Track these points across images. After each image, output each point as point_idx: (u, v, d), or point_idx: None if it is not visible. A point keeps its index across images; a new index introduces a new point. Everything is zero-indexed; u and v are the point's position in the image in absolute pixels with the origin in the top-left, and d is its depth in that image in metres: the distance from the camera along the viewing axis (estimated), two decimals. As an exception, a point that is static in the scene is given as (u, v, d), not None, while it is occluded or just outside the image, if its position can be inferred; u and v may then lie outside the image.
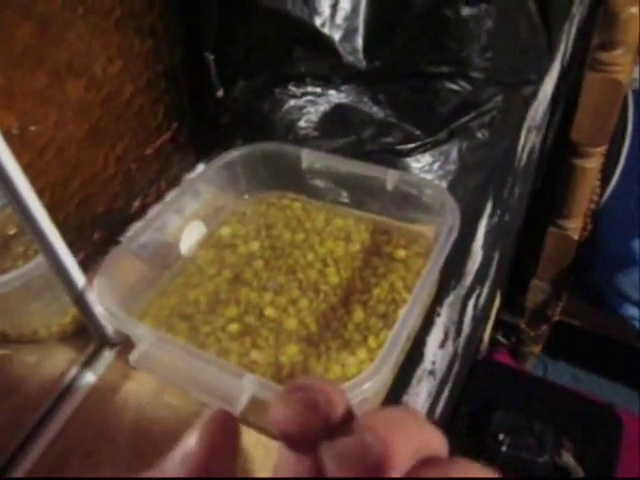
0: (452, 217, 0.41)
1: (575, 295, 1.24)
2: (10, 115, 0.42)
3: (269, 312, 0.42)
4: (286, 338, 0.40)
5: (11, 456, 0.38)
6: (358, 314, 0.41)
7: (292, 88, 0.50)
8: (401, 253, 0.45)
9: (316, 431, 0.15)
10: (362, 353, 0.38)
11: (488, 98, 0.52)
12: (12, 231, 0.51)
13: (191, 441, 0.16)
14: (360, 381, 0.31)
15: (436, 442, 0.15)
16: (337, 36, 0.48)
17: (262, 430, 0.38)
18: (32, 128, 0.43)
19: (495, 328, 1.26)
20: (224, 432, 0.16)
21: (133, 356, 0.35)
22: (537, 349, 1.31)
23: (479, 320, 1.00)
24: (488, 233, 0.75)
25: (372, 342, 0.39)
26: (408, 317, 0.34)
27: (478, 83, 0.51)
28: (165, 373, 0.37)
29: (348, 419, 0.15)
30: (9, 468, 0.38)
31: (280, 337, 0.40)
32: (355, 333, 0.40)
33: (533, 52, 0.55)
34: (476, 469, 0.14)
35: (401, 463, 0.14)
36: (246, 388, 0.31)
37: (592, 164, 1.05)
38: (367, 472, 0.13)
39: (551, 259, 1.20)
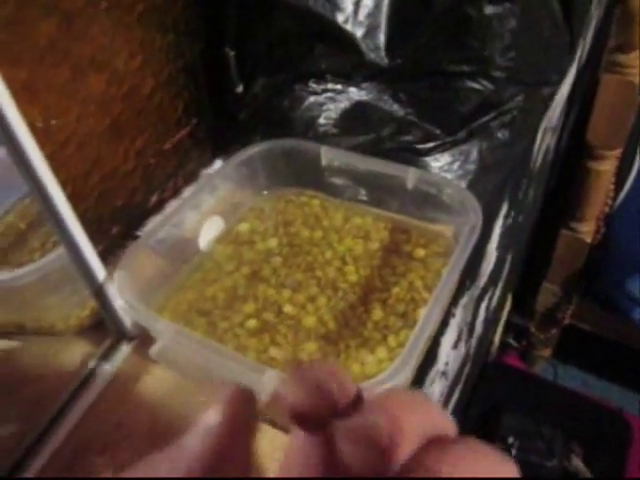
0: (474, 217, 0.40)
1: (586, 299, 1.23)
2: (33, 109, 0.42)
3: (287, 309, 0.42)
4: (304, 336, 0.40)
5: (27, 449, 0.38)
6: (377, 313, 0.41)
7: (312, 85, 0.50)
8: (420, 252, 0.45)
9: (326, 410, 0.15)
10: (382, 352, 0.38)
11: (509, 98, 0.51)
12: (28, 225, 0.51)
13: (212, 416, 0.16)
14: (381, 380, 0.30)
15: (444, 422, 0.16)
16: (359, 33, 0.47)
17: (276, 424, 0.38)
18: (54, 122, 0.43)
19: (505, 331, 1.26)
20: (245, 408, 0.16)
21: (154, 350, 0.35)
22: (547, 353, 1.31)
23: (490, 322, 1.00)
24: (503, 234, 0.75)
25: (392, 341, 0.39)
26: (429, 317, 0.34)
27: (499, 82, 0.50)
28: (184, 368, 0.37)
29: (357, 400, 0.15)
30: (25, 460, 0.38)
31: (298, 334, 0.40)
32: (374, 332, 0.40)
33: (554, 51, 0.55)
34: (484, 448, 0.15)
35: (410, 440, 0.14)
36: (267, 384, 0.31)
37: (607, 167, 1.04)
38: (377, 449, 0.14)
39: (563, 262, 1.19)
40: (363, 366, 0.38)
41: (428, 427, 0.15)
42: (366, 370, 0.37)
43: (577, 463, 0.92)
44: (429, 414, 0.15)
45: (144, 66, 0.48)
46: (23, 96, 0.40)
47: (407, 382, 0.40)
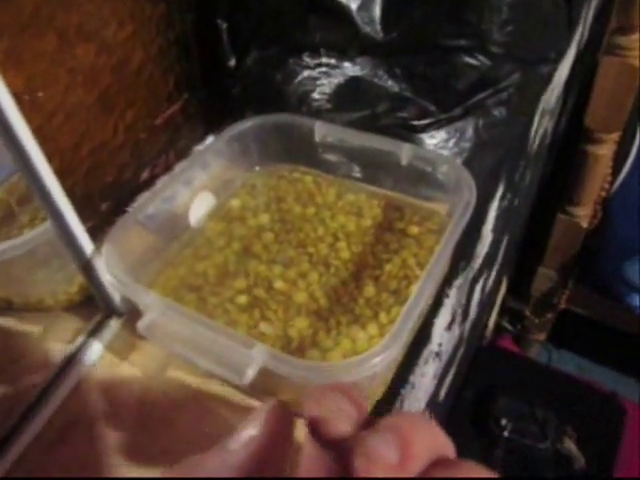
0: (468, 193, 0.40)
1: (582, 284, 1.23)
2: (18, 79, 0.41)
3: (278, 285, 0.41)
4: (295, 311, 0.39)
5: (15, 424, 0.38)
6: (369, 289, 0.40)
7: (306, 59, 0.49)
8: (414, 229, 0.44)
9: (344, 427, 0.17)
10: (373, 328, 0.38)
11: (506, 74, 0.51)
12: (17, 201, 0.50)
13: (252, 427, 0.18)
14: (371, 355, 0.30)
15: (446, 444, 0.17)
16: (354, 5, 0.46)
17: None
18: (40, 93, 0.42)
19: (500, 314, 1.26)
20: (283, 422, 0.18)
21: (142, 323, 0.34)
22: (542, 337, 1.31)
23: (485, 305, 0.99)
24: (498, 216, 0.74)
25: (383, 318, 0.38)
26: (421, 293, 0.33)
27: (497, 58, 0.49)
28: (173, 342, 0.36)
29: (370, 418, 0.17)
30: (12, 437, 0.37)
31: (289, 310, 0.40)
32: (366, 308, 0.39)
33: (553, 28, 0.54)
34: (480, 470, 0.16)
35: (419, 458, 0.15)
36: (256, 358, 0.31)
37: (605, 151, 1.03)
38: (388, 465, 0.15)
39: (559, 246, 1.19)
40: (354, 342, 0.37)
41: (432, 447, 0.16)
42: (357, 346, 0.37)
43: (570, 446, 0.93)
44: (434, 436, 0.16)
45: (134, 37, 0.47)
46: (7, 66, 0.39)
47: (397, 358, 0.39)
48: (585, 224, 1.13)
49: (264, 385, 0.36)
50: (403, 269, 0.41)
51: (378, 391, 0.38)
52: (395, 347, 0.30)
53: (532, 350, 1.31)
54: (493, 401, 0.97)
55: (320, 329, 0.38)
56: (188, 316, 0.34)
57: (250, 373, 0.31)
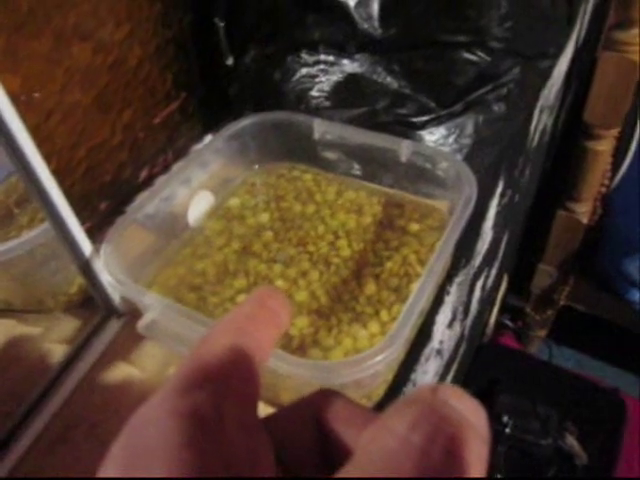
0: (469, 188, 0.40)
1: (582, 280, 1.22)
2: (14, 79, 0.40)
3: (279, 284, 0.41)
4: (296, 310, 0.39)
5: (15, 425, 0.38)
6: (370, 287, 0.40)
7: (304, 56, 0.49)
8: (414, 227, 0.44)
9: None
10: (374, 326, 0.37)
11: (506, 70, 0.50)
12: (15, 202, 0.50)
13: (237, 310, 0.17)
14: (373, 353, 0.30)
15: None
16: (352, 2, 0.46)
17: (269, 402, 0.37)
18: (37, 94, 0.42)
19: (501, 311, 1.26)
20: (268, 304, 0.17)
21: (142, 323, 0.34)
22: (542, 333, 1.31)
23: (486, 302, 0.99)
24: (498, 213, 0.74)
25: (384, 315, 0.38)
26: (422, 290, 0.33)
27: (496, 54, 0.49)
28: (173, 342, 0.36)
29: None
30: (13, 437, 0.37)
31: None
32: (367, 306, 0.39)
33: (553, 23, 0.54)
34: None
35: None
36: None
37: (604, 147, 1.03)
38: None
39: (559, 243, 1.18)
40: (355, 341, 0.37)
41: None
42: (358, 345, 0.37)
43: (571, 442, 0.93)
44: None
45: (131, 36, 0.47)
46: (3, 66, 0.39)
47: (399, 356, 0.39)
48: (585, 220, 1.13)
49: (265, 384, 0.36)
50: (404, 266, 0.41)
51: (380, 389, 0.37)
52: (396, 345, 0.30)
53: (533, 346, 1.31)
54: (495, 398, 0.97)
55: (321, 328, 0.38)
56: (188, 315, 0.34)
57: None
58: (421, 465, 0.12)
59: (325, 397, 0.17)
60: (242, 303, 0.18)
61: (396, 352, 0.30)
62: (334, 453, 0.16)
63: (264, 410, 0.38)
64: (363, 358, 0.29)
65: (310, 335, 0.38)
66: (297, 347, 0.37)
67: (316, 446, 0.16)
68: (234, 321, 0.17)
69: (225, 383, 0.15)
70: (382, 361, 0.30)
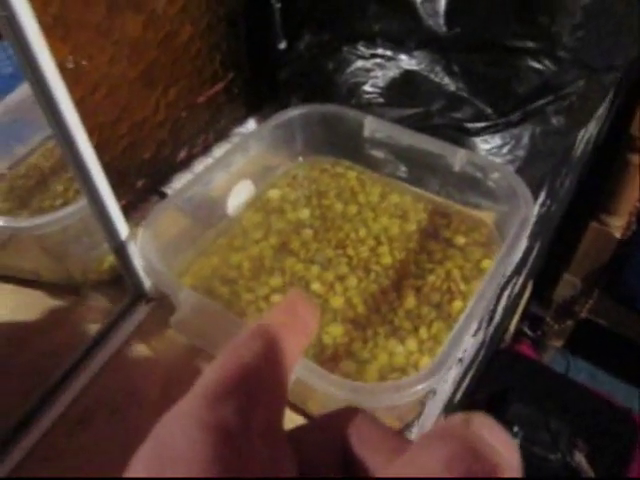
0: (525, 206, 0.38)
1: (606, 294, 1.20)
2: (64, 47, 0.39)
3: (315, 287, 0.40)
4: (331, 317, 0.38)
5: (36, 405, 0.37)
6: (410, 300, 0.38)
7: (361, 48, 0.46)
8: (460, 240, 0.42)
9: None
10: (412, 343, 0.36)
11: (570, 81, 0.48)
12: (51, 168, 0.49)
13: (268, 316, 0.16)
14: (416, 381, 0.28)
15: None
16: (419, -4, 0.44)
17: (298, 410, 0.36)
18: (85, 62, 0.40)
19: (522, 319, 1.24)
20: (300, 313, 0.17)
21: (174, 319, 0.33)
22: (559, 343, 1.29)
23: (509, 310, 0.97)
24: (535, 223, 0.72)
25: (424, 333, 0.36)
26: (470, 317, 0.32)
27: (563, 64, 0.46)
28: (203, 340, 0.35)
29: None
30: (34, 417, 0.37)
31: (325, 315, 0.38)
32: (406, 321, 0.37)
33: (624, 35, 0.51)
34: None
35: None
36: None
37: (648, 161, 1.00)
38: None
39: (588, 255, 1.16)
40: (391, 357, 0.36)
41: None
42: (394, 361, 0.35)
43: (580, 459, 0.91)
44: None
45: (183, 11, 0.45)
46: (54, 32, 0.38)
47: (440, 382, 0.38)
48: (618, 234, 1.10)
49: (292, 391, 0.34)
50: (447, 282, 0.39)
51: (414, 410, 0.36)
52: (441, 373, 0.29)
53: (548, 355, 1.30)
54: (507, 406, 0.96)
55: (356, 338, 0.36)
56: (222, 315, 0.33)
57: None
58: None
59: (354, 416, 0.16)
60: (273, 307, 0.17)
61: (440, 380, 0.29)
62: (356, 474, 0.16)
63: (289, 416, 0.37)
64: (405, 385, 0.28)
65: (344, 345, 0.36)
66: (330, 357, 0.35)
67: (339, 465, 0.16)
68: (263, 327, 0.16)
69: (254, 394, 0.14)
70: (424, 389, 0.28)
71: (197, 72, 0.49)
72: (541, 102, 0.48)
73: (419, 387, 0.28)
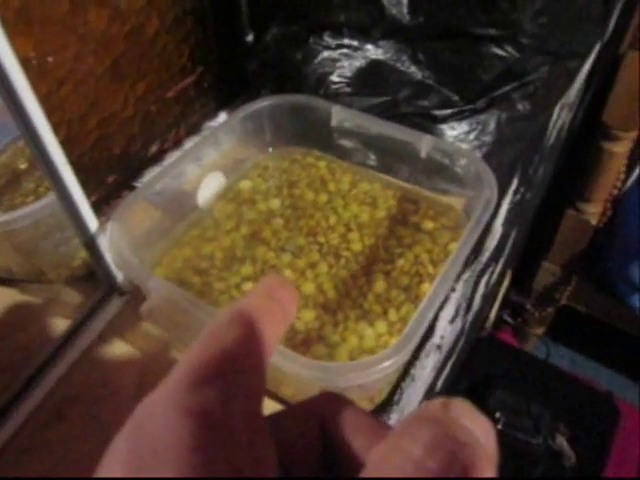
0: (489, 191, 0.38)
1: (584, 280, 1.22)
2: (27, 42, 0.39)
3: (287, 274, 0.40)
4: (302, 303, 0.38)
5: (11, 398, 0.37)
6: (380, 284, 0.39)
7: (327, 39, 0.47)
8: (429, 225, 0.43)
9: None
10: (381, 326, 0.37)
11: (534, 68, 0.49)
12: (23, 166, 0.48)
13: (246, 300, 0.16)
14: (382, 358, 0.29)
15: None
16: (382, -15, 0.44)
17: (272, 395, 0.37)
18: (50, 58, 0.40)
19: (502, 307, 1.25)
20: (279, 297, 0.17)
21: (145, 307, 0.33)
22: (540, 331, 1.31)
23: (488, 297, 0.98)
24: (510, 210, 0.73)
25: (393, 315, 0.37)
26: (436, 295, 0.32)
27: (526, 50, 0.47)
28: (176, 328, 0.35)
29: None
30: (8, 411, 0.37)
31: (296, 301, 0.38)
32: (375, 304, 0.38)
33: (586, 22, 0.52)
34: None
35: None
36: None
37: (621, 148, 1.01)
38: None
39: (565, 242, 1.17)
40: (361, 339, 0.36)
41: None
42: (364, 343, 0.36)
43: (562, 443, 0.93)
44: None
45: (149, 5, 0.45)
46: (17, 28, 0.38)
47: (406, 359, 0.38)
48: (594, 221, 1.12)
49: (268, 378, 0.35)
50: (415, 265, 0.40)
51: (383, 391, 0.37)
52: (406, 351, 0.29)
53: (529, 343, 1.31)
54: (488, 394, 0.97)
55: (327, 323, 0.37)
56: (192, 303, 0.33)
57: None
58: None
59: (331, 401, 0.16)
60: (251, 292, 0.17)
61: (406, 358, 0.29)
62: (336, 459, 0.16)
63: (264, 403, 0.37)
64: (371, 362, 0.29)
65: (315, 330, 0.37)
66: (301, 342, 0.36)
67: (317, 450, 0.16)
68: (243, 312, 0.16)
69: (234, 379, 0.14)
70: (391, 367, 0.29)
71: (166, 66, 0.49)
72: (506, 88, 0.49)
73: (385, 364, 0.29)
